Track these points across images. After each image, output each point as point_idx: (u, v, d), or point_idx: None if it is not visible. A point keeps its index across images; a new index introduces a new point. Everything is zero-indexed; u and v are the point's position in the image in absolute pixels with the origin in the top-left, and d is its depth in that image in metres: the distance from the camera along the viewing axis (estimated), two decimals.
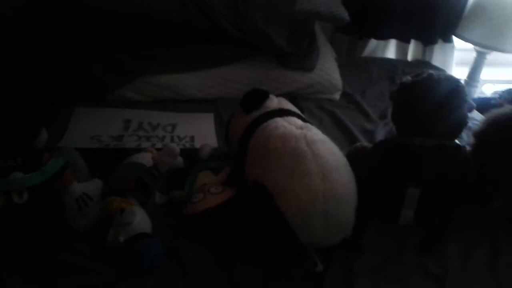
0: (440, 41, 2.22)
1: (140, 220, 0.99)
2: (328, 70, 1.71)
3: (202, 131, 1.45)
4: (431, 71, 1.04)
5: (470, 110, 1.06)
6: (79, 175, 1.07)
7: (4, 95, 1.26)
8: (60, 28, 1.48)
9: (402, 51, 2.26)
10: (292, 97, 1.50)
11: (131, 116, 1.47)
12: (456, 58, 2.29)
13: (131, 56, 1.53)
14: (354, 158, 1.15)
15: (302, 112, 1.25)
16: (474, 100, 2.10)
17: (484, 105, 1.97)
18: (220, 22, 1.53)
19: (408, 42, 2.21)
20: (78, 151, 1.15)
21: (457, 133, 1.06)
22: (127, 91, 1.54)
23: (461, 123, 1.05)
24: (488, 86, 2.41)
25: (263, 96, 1.17)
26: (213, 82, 1.61)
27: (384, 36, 2.19)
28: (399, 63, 2.13)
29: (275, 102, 1.19)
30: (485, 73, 2.28)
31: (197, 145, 1.36)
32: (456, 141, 1.08)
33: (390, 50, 2.27)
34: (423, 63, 2.17)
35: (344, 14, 1.67)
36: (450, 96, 1.01)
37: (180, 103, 1.58)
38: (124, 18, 1.47)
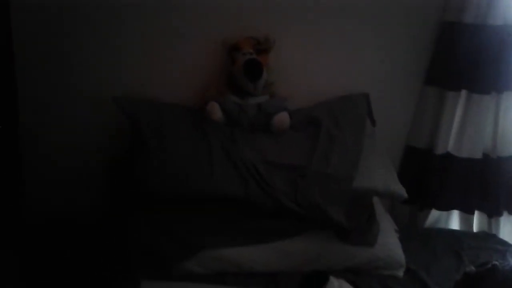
0: (506, 213, 2.16)
1: None
2: (389, 245, 1.70)
3: None
4: (495, 262, 1.01)
5: None
6: None
7: (75, 271, 1.35)
8: (128, 198, 1.63)
9: (467, 221, 2.20)
10: (353, 273, 1.49)
11: None
12: None
13: (196, 230, 1.61)
14: None
15: None
16: None
17: None
18: (281, 199, 1.61)
19: (472, 213, 2.17)
20: None
21: None
22: (190, 264, 1.59)
23: None
24: None
25: (323, 279, 1.17)
26: (274, 256, 1.63)
27: (445, 207, 2.18)
28: (464, 236, 2.06)
29: (335, 285, 1.18)
30: None
31: None
32: None
33: (454, 220, 2.23)
34: (489, 236, 2.09)
35: (401, 191, 1.71)
36: None
37: (240, 276, 1.59)
38: (190, 195, 1.60)
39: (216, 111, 1.83)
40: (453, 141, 2.09)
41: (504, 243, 2.02)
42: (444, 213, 2.20)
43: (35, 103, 1.88)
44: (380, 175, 1.75)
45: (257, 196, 1.61)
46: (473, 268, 1.03)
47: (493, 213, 2.15)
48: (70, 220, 1.65)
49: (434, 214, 2.19)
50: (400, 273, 1.68)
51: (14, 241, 1.54)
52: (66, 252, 1.49)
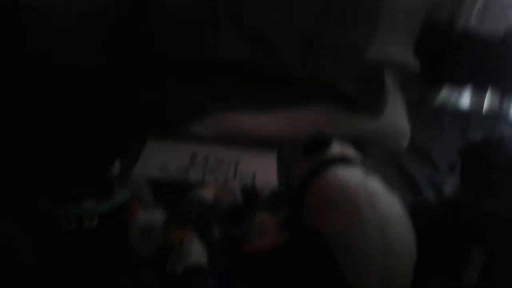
0: None
1: (197, 252, 1.03)
2: (396, 116, 1.69)
3: (264, 170, 1.48)
4: (502, 134, 1.00)
5: None
6: (145, 204, 1.14)
7: (85, 126, 1.37)
8: (138, 65, 1.60)
9: (478, 100, 2.17)
10: (358, 142, 1.50)
11: (198, 150, 1.53)
12: None
13: (202, 93, 1.61)
14: (418, 212, 1.12)
15: (367, 159, 1.24)
16: None
17: None
18: (289, 66, 1.57)
19: (485, 91, 2.13)
20: (147, 181, 1.23)
21: None
22: (196, 126, 1.61)
23: None
24: None
25: (326, 142, 1.18)
26: (279, 122, 1.64)
27: (457, 84, 2.12)
28: (474, 113, 2.05)
29: (337, 148, 1.19)
30: None
31: (258, 183, 1.39)
32: None
33: (465, 99, 2.19)
34: (498, 117, 2.07)
35: (414, 64, 1.66)
36: None
37: (245, 141, 1.62)
38: (199, 59, 1.56)
39: None
40: (475, 16, 1.97)
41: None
42: (456, 91, 2.16)
43: None
44: (395, 47, 1.69)
45: (263, 62, 1.57)
46: (478, 136, 1.02)
47: (505, 92, 2.10)
48: (75, 76, 1.62)
49: (446, 91, 2.14)
50: (404, 143, 1.69)
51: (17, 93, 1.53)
52: (73, 105, 1.49)
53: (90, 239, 1.00)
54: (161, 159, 1.46)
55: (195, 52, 1.59)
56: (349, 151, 1.21)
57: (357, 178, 1.02)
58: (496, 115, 2.10)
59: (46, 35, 1.74)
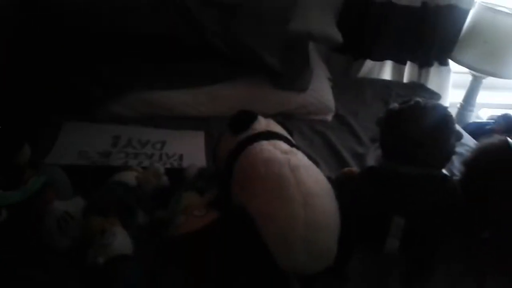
0: (436, 64, 2.22)
1: (121, 241, 0.98)
2: (321, 91, 1.71)
3: (192, 150, 1.44)
4: (418, 99, 1.03)
5: (458, 140, 1.04)
6: (61, 192, 1.06)
7: None
8: (47, 42, 1.48)
9: (398, 72, 2.25)
10: (284, 118, 1.50)
11: (121, 132, 1.46)
12: (454, 81, 2.30)
13: (119, 70, 1.52)
14: (342, 184, 1.14)
15: (292, 134, 1.25)
16: (469, 124, 2.14)
17: (479, 130, 1.97)
18: (209, 37, 1.52)
19: (404, 63, 2.21)
20: (64, 168, 1.14)
21: (444, 162, 1.04)
22: (117, 107, 1.53)
23: (449, 153, 1.03)
24: (485, 110, 2.40)
25: (251, 117, 1.16)
26: (205, 100, 1.60)
27: (379, 57, 2.19)
28: (394, 85, 2.13)
29: (263, 124, 1.18)
30: (482, 97, 2.28)
31: (185, 164, 1.35)
32: (444, 170, 1.07)
33: (387, 71, 2.27)
34: (418, 86, 2.17)
35: (337, 35, 1.68)
36: (437, 125, 1.00)
37: (171, 121, 1.57)
38: (111, 32, 1.48)
39: None
40: None
41: (431, 92, 2.10)
42: (378, 63, 2.22)
43: None
44: (318, 19, 1.69)
45: (184, 33, 1.51)
46: (396, 104, 1.05)
47: (424, 63, 2.20)
48: None
49: (368, 64, 2.20)
50: (329, 117, 1.72)
51: None
52: None
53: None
54: (79, 143, 1.37)
55: (112, 24, 1.49)
56: (274, 126, 1.20)
57: (282, 153, 1.01)
58: (415, 85, 2.19)
59: None
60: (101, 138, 1.42)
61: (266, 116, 1.27)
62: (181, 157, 1.40)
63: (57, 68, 1.51)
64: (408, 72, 2.26)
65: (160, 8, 1.50)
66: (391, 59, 2.22)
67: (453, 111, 1.56)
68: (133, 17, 1.48)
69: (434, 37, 2.12)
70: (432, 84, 2.22)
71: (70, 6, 1.48)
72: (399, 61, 2.22)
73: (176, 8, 1.51)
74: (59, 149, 1.34)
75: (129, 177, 1.14)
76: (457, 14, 2.09)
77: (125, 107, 1.54)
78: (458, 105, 2.27)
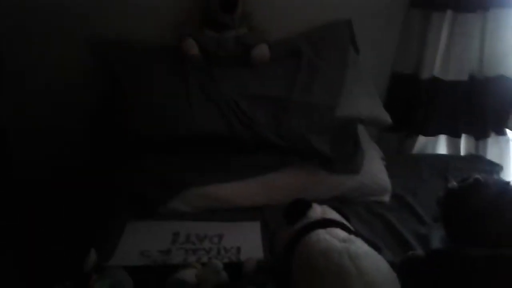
0: (493, 134, 2.15)
1: None
2: (374, 171, 1.69)
3: (249, 242, 1.44)
4: (477, 176, 0.99)
5: None
6: None
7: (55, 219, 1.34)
8: (110, 144, 1.60)
9: (454, 146, 2.19)
10: (340, 202, 1.49)
11: (180, 228, 1.49)
12: None
13: (178, 168, 1.59)
14: (406, 270, 1.09)
15: (349, 219, 1.23)
16: None
17: None
18: (264, 132, 1.59)
19: (459, 137, 2.16)
20: (127, 268, 1.18)
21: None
22: (176, 203, 1.58)
23: None
24: None
25: (305, 206, 1.17)
26: (260, 190, 1.62)
27: (432, 132, 2.16)
28: (451, 159, 2.06)
29: (318, 211, 1.17)
30: None
31: (243, 257, 1.34)
32: None
33: (441, 146, 2.22)
34: (476, 158, 2.09)
35: (385, 117, 1.69)
36: (500, 200, 0.95)
37: (227, 213, 1.59)
38: (173, 135, 1.57)
39: (192, 46, 1.77)
40: (439, 64, 2.04)
41: (491, 163, 2.02)
42: (431, 139, 2.19)
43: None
44: (364, 102, 1.72)
45: (239, 131, 1.59)
46: (455, 183, 1.02)
47: (480, 135, 2.14)
48: (56, 172, 1.64)
49: (421, 140, 2.17)
50: (386, 198, 1.68)
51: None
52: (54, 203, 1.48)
53: None
54: (141, 243, 1.41)
55: (170, 126, 1.60)
56: (330, 213, 1.19)
57: (339, 241, 1.00)
58: (473, 157, 2.11)
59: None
60: (161, 236, 1.45)
61: (321, 202, 1.28)
62: (238, 250, 1.40)
63: (116, 170, 1.61)
64: (464, 144, 2.19)
65: (213, 110, 1.61)
66: (445, 134, 2.19)
67: None
68: (188, 121, 1.58)
69: (487, 108, 2.08)
70: (491, 154, 2.13)
71: (145, 112, 1.62)
72: (454, 135, 2.17)
73: (229, 109, 1.61)
74: (122, 251, 1.38)
75: (189, 275, 1.15)
76: (508, 84, 2.05)
77: (183, 202, 1.59)
78: None
